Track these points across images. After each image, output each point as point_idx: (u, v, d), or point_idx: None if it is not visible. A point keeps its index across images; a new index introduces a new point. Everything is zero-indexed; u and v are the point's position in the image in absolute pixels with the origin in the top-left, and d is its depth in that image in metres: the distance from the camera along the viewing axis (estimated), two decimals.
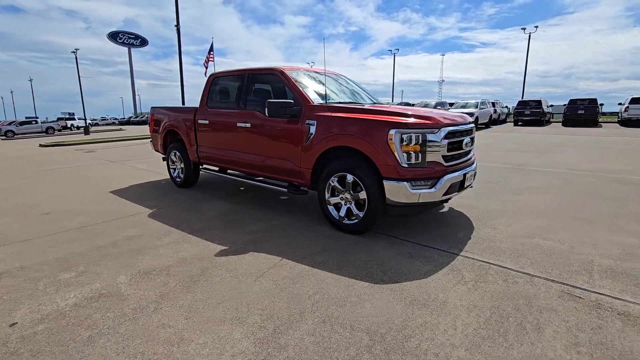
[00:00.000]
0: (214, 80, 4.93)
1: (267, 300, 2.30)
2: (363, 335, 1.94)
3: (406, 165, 3.04)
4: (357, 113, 3.42)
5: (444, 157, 3.16)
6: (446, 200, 3.62)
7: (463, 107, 19.75)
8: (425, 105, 21.63)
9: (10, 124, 31.48)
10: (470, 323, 2.03)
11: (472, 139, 3.67)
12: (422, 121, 3.12)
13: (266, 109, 3.71)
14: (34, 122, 32.76)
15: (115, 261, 2.92)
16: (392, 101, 40.21)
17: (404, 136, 3.00)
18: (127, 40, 56.25)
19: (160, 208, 4.46)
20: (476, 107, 19.17)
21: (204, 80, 5.07)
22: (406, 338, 1.90)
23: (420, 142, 3.03)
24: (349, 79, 5.04)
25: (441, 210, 4.21)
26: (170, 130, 5.61)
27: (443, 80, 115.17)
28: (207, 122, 4.85)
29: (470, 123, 3.63)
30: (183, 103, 18.09)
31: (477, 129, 17.67)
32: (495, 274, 2.63)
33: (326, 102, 3.77)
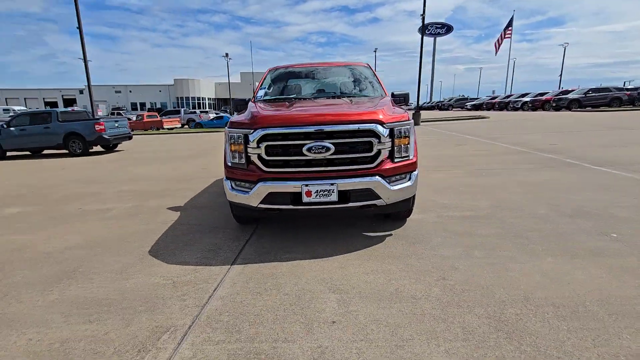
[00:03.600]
0: None
1: None
2: None
3: (230, 164, 3.11)
4: None
5: (262, 160, 2.88)
6: (275, 211, 3.05)
7: None
8: None
9: None
10: None
11: (339, 145, 2.80)
12: (242, 120, 2.99)
13: None
14: None
15: None
16: None
17: (230, 135, 3.07)
18: (434, 31, 60.55)
19: None
20: None
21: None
22: None
23: (242, 142, 2.98)
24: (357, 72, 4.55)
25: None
26: None
27: None
28: None
29: (334, 123, 2.78)
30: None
31: None
32: None
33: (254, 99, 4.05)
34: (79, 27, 15.62)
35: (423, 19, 17.95)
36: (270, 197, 2.93)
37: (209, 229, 3.70)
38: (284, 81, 4.53)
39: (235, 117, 3.35)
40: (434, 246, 3.05)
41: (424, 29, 18.41)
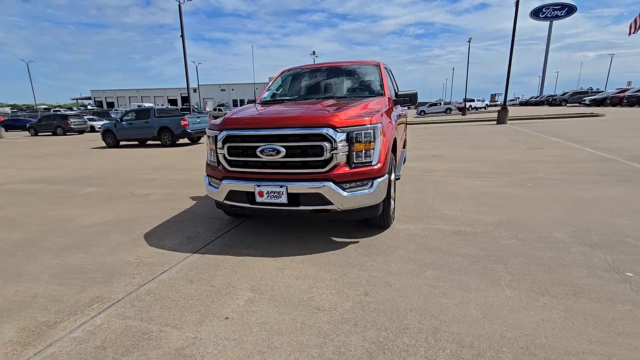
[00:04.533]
0: None
1: None
2: None
3: (208, 162, 3.41)
4: None
5: (226, 159, 3.10)
6: (237, 208, 3.23)
7: None
8: None
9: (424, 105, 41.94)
10: None
11: (290, 149, 2.83)
12: (216, 121, 3.22)
13: None
14: (438, 105, 41.59)
15: None
16: None
17: (208, 135, 3.37)
18: (550, 14, 52.22)
19: None
20: None
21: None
22: None
23: (214, 142, 3.25)
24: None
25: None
26: None
27: None
28: None
29: (285, 127, 2.80)
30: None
31: None
32: None
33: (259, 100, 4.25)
34: (182, 36, 18.19)
35: (517, 3, 15.70)
36: (231, 195, 3.13)
37: (204, 219, 4.09)
38: (290, 82, 4.65)
39: (215, 120, 3.64)
40: (390, 260, 2.84)
41: (516, 14, 16.09)
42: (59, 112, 30.29)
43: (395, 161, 3.99)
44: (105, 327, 2.09)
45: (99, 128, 21.30)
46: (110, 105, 67.59)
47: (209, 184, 3.38)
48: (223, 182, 3.13)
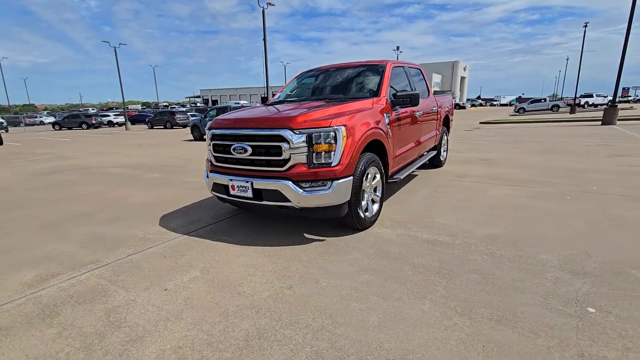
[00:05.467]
0: None
1: None
2: None
3: (207, 157, 3.90)
4: None
5: (212, 155, 3.52)
6: (220, 199, 3.67)
7: None
8: None
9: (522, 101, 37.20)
10: None
11: (255, 148, 3.08)
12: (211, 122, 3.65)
13: None
14: (542, 101, 36.50)
15: None
16: None
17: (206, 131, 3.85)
18: None
19: None
20: None
21: None
22: None
23: (209, 139, 3.71)
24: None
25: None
26: None
27: None
28: None
29: (251, 128, 3.06)
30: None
31: None
32: None
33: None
34: (264, 39, 19.72)
35: None
36: (215, 186, 3.54)
37: (215, 207, 4.62)
38: (302, 84, 4.85)
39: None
40: (339, 260, 2.90)
41: None
42: (168, 109, 35.51)
43: (390, 162, 3.91)
44: (83, 282, 2.69)
45: None
46: (215, 102, 76.73)
47: (206, 176, 3.86)
48: (210, 174, 3.57)
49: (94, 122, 30.82)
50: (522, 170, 6.09)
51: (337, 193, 3.04)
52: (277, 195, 3.08)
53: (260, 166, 3.17)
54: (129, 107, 54.51)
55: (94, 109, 60.61)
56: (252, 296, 2.41)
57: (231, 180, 3.30)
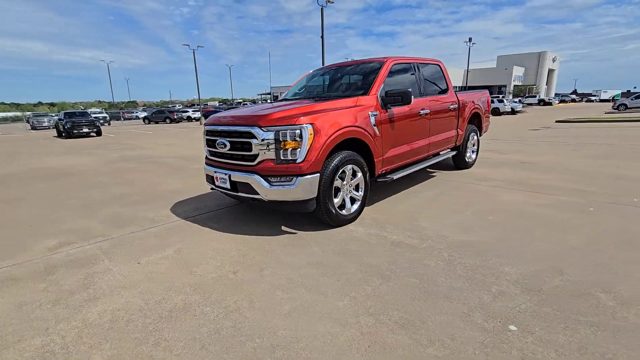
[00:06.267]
0: None
1: None
2: None
3: None
4: None
5: (206, 149, 3.90)
6: (212, 188, 4.01)
7: None
8: None
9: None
10: None
11: (232, 143, 3.35)
12: None
13: None
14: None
15: None
16: None
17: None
18: None
19: None
20: None
21: None
22: None
23: None
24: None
25: None
26: None
27: None
28: None
29: (229, 125, 3.32)
30: None
31: None
32: None
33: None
34: (322, 37, 20.08)
35: None
36: (207, 177, 3.92)
37: (223, 196, 5.03)
38: (307, 82, 4.97)
39: None
40: (295, 252, 3.04)
41: None
42: (233, 106, 38.12)
43: (378, 161, 3.87)
44: (85, 251, 3.26)
45: None
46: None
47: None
48: (204, 166, 3.95)
49: (175, 117, 34.60)
50: (558, 175, 5.41)
51: (301, 188, 3.16)
52: (249, 188, 3.32)
53: (237, 160, 3.44)
54: (208, 104, 59.83)
55: (180, 105, 67.74)
56: (201, 276, 2.69)
57: (215, 172, 3.63)
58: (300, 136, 3.13)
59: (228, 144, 3.44)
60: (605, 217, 3.56)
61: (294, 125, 3.13)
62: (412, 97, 3.85)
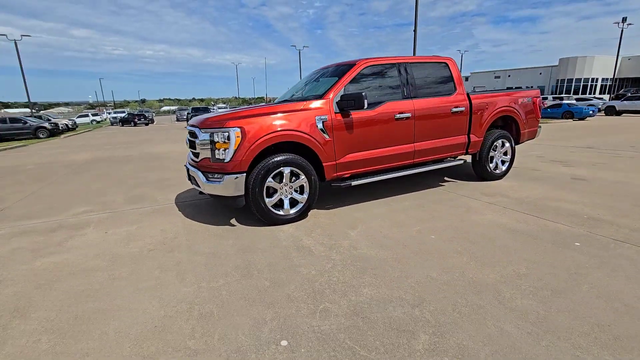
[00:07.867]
0: None
1: None
2: None
3: None
4: None
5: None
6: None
7: None
8: None
9: None
10: None
11: (190, 142, 3.89)
12: None
13: None
14: None
15: None
16: None
17: None
18: None
19: None
20: None
21: None
22: None
23: None
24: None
25: None
26: None
27: None
28: None
29: (196, 126, 3.80)
30: None
31: None
32: None
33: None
34: (414, 30, 19.11)
35: None
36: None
37: None
38: (302, 82, 5.12)
39: None
40: (207, 241, 3.40)
41: None
42: None
43: (328, 165, 3.86)
44: (90, 218, 4.31)
45: None
46: None
47: None
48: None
49: None
50: (595, 199, 4.23)
51: (226, 186, 3.50)
52: (195, 181, 3.83)
53: (192, 157, 3.97)
54: None
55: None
56: (129, 249, 3.32)
57: (185, 165, 4.26)
58: (228, 138, 3.46)
59: (189, 142, 4.03)
60: (574, 255, 2.79)
61: (224, 128, 3.48)
62: (366, 100, 3.69)
